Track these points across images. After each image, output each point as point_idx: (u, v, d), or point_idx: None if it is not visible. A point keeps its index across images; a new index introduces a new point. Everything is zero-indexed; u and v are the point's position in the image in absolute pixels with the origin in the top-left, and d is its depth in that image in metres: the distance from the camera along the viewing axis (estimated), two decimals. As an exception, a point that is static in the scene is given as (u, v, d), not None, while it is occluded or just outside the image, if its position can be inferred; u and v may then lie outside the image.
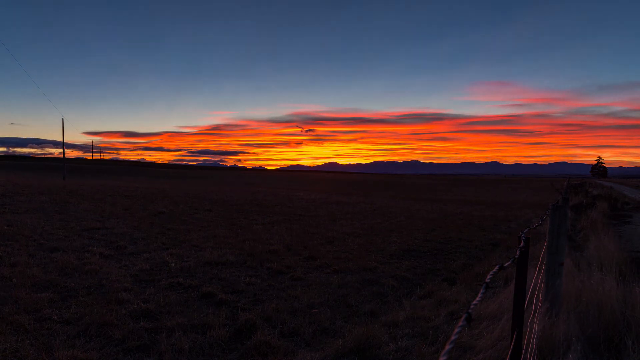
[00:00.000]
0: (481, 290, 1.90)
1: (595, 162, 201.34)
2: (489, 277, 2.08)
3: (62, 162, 63.88)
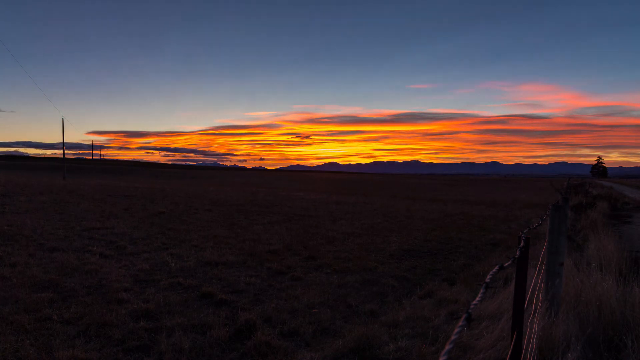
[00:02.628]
0: (481, 290, 1.90)
1: (596, 162, 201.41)
2: (489, 277, 2.08)
3: (62, 162, 63.85)
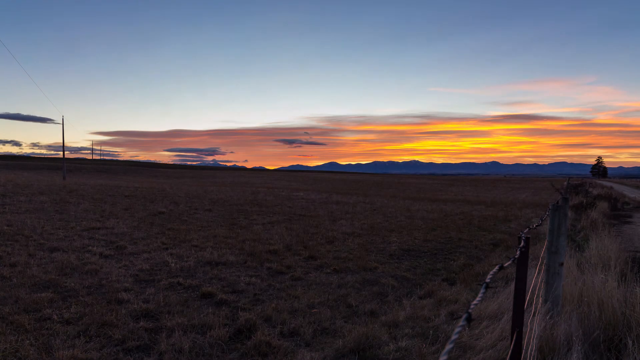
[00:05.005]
0: (481, 290, 1.90)
1: (596, 162, 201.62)
2: (489, 277, 2.08)
3: (62, 162, 63.89)
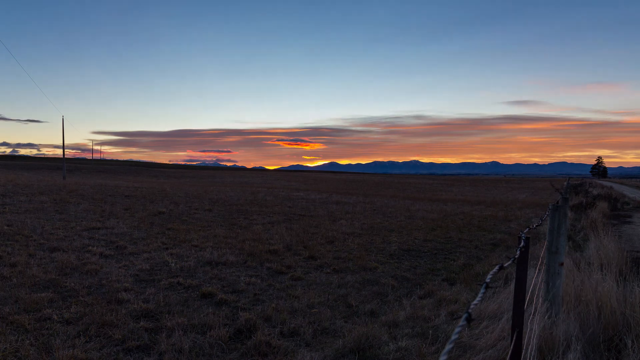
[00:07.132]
0: (481, 290, 1.90)
1: (596, 162, 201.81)
2: (489, 277, 2.08)
3: (62, 162, 63.89)
